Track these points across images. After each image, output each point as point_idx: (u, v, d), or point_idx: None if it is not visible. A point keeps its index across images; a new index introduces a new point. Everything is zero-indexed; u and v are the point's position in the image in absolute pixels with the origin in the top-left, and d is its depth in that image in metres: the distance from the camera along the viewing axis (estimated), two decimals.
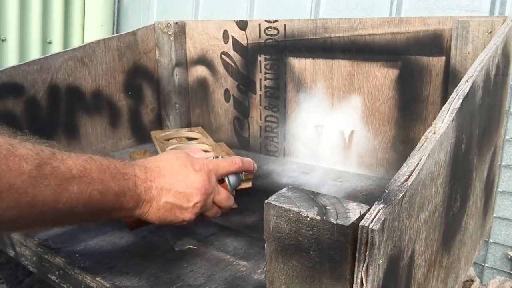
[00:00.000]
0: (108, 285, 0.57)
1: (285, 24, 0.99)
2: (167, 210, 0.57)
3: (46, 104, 0.98)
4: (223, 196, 0.63)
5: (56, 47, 1.65)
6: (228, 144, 1.16)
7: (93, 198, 0.50)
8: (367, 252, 0.32)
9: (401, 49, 0.86)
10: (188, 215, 0.59)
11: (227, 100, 1.14)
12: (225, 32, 1.09)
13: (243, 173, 0.68)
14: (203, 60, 1.16)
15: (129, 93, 1.14)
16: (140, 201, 0.56)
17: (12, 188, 0.42)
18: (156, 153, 0.91)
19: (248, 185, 0.82)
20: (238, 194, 0.81)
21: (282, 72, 1.03)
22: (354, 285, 0.33)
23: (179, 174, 0.58)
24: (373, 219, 0.33)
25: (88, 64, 1.05)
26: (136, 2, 1.73)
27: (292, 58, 1.00)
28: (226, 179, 0.66)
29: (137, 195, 0.55)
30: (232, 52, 1.10)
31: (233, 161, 0.65)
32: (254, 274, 0.60)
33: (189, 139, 0.92)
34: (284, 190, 0.39)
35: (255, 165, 0.69)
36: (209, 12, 1.52)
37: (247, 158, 0.68)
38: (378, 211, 0.34)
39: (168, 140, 0.90)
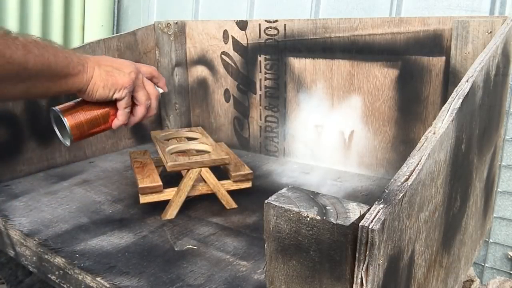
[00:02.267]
0: (108, 285, 0.57)
1: (285, 24, 0.99)
2: (108, 74, 0.67)
3: (46, 104, 0.98)
4: (149, 82, 0.74)
5: None
6: (228, 144, 1.16)
7: (50, 60, 0.60)
8: (367, 252, 0.32)
9: (401, 49, 0.86)
10: (126, 79, 0.68)
11: (227, 100, 1.14)
12: (225, 32, 1.09)
13: (159, 89, 0.78)
14: (203, 60, 1.16)
15: None
16: (85, 67, 0.65)
17: None
18: (156, 153, 0.90)
19: (248, 185, 0.81)
20: (238, 193, 0.82)
21: (282, 72, 1.03)
22: (354, 285, 0.33)
23: (109, 58, 0.71)
24: (373, 219, 0.33)
25: None
26: (136, 2, 1.73)
27: (292, 58, 1.00)
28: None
29: (81, 60, 0.65)
30: (232, 52, 1.10)
31: (151, 66, 0.78)
32: (254, 274, 0.60)
33: (189, 139, 0.91)
34: (284, 190, 0.39)
35: (166, 88, 0.81)
36: (209, 12, 1.52)
37: (162, 76, 0.79)
38: (378, 211, 0.34)
39: (168, 140, 0.89)
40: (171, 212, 0.77)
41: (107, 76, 0.67)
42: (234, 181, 0.81)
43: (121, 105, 0.71)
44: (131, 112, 0.73)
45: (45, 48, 0.60)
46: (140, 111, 0.73)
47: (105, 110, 0.71)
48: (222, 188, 0.80)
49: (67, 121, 0.69)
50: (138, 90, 0.71)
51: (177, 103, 1.20)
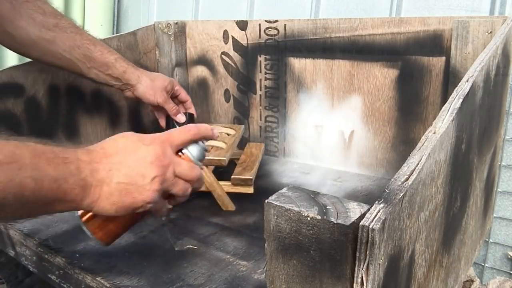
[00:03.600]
0: (108, 285, 0.57)
1: (285, 24, 0.99)
2: (121, 193, 0.50)
3: (46, 104, 0.98)
4: (185, 167, 0.55)
5: None
6: None
7: (25, 186, 0.44)
8: (368, 252, 0.32)
9: (401, 49, 0.86)
10: (148, 194, 0.51)
11: (227, 100, 1.14)
12: (225, 32, 1.09)
13: (205, 141, 0.60)
14: (203, 60, 1.16)
15: None
16: (87, 187, 0.49)
17: None
18: None
19: (249, 190, 0.81)
20: (239, 195, 0.81)
21: (282, 72, 1.03)
22: (354, 284, 0.33)
23: (127, 151, 0.52)
24: (374, 218, 0.33)
25: None
26: (136, 2, 1.73)
27: (292, 58, 1.00)
28: (185, 150, 0.57)
29: (82, 180, 0.48)
30: (232, 52, 1.10)
31: (187, 128, 0.58)
32: (254, 274, 0.60)
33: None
34: (284, 190, 0.39)
35: (215, 130, 0.61)
36: (209, 12, 1.52)
37: (204, 124, 0.60)
38: (379, 211, 0.34)
39: None
40: None
41: (120, 197, 0.50)
42: (233, 184, 0.80)
43: (152, 210, 0.55)
44: (171, 199, 0.58)
45: (24, 168, 0.44)
46: (180, 200, 0.58)
47: (140, 213, 0.55)
48: (219, 188, 0.79)
49: (94, 236, 0.56)
50: (171, 189, 0.54)
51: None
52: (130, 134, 0.54)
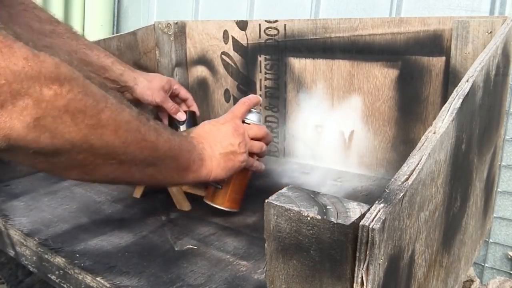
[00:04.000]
0: (108, 285, 0.57)
1: (285, 24, 0.99)
2: (225, 160, 0.67)
3: None
4: (254, 129, 0.73)
5: None
6: None
7: (177, 148, 0.59)
8: (368, 252, 0.32)
9: (401, 49, 0.86)
10: (241, 156, 0.68)
11: (227, 100, 1.14)
12: (225, 32, 1.09)
13: (255, 108, 0.76)
14: (203, 60, 1.16)
15: None
16: (203, 160, 0.64)
17: (130, 123, 0.51)
18: None
19: (201, 193, 0.80)
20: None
21: (282, 72, 1.03)
22: (354, 284, 0.33)
23: (213, 131, 0.69)
24: (374, 218, 0.33)
25: None
26: (136, 2, 1.73)
27: (292, 58, 1.00)
28: (247, 120, 0.74)
29: (199, 154, 0.64)
30: (232, 52, 1.10)
31: (242, 102, 0.74)
32: (254, 274, 0.60)
33: None
34: (284, 190, 0.39)
35: (260, 98, 0.78)
36: (209, 12, 1.52)
37: (252, 95, 0.76)
38: (379, 211, 0.34)
39: None
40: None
41: (226, 163, 0.67)
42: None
43: (248, 167, 0.73)
44: (256, 158, 0.76)
45: (173, 137, 0.59)
46: (262, 154, 0.76)
47: (244, 173, 0.75)
48: (174, 187, 0.80)
49: (230, 209, 0.75)
50: (252, 149, 0.72)
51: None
52: (207, 122, 0.71)
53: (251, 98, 0.76)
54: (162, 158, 0.57)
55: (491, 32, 0.73)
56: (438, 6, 1.11)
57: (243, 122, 0.74)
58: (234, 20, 1.07)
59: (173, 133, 0.61)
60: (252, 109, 0.76)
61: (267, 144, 0.76)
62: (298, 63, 1.00)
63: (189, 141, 0.64)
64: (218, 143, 0.67)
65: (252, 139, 0.73)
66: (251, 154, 0.73)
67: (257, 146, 0.73)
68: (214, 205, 0.74)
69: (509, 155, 1.07)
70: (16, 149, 0.42)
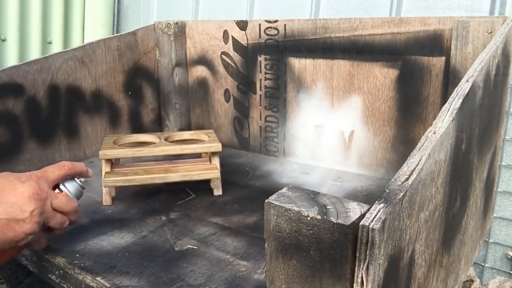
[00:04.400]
0: (108, 285, 0.57)
1: (285, 24, 0.99)
2: (3, 228, 0.54)
3: (46, 104, 0.98)
4: (62, 200, 0.60)
5: (56, 47, 1.65)
6: (228, 144, 1.16)
7: None
8: (368, 252, 0.32)
9: (401, 49, 0.86)
10: (28, 226, 0.55)
11: (227, 100, 1.14)
12: (225, 32, 1.09)
13: (80, 179, 0.66)
14: (203, 60, 1.16)
15: (129, 93, 1.14)
16: None
17: None
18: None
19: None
20: (239, 193, 0.82)
21: (282, 72, 1.03)
22: (354, 284, 0.33)
23: (5, 189, 0.55)
24: (374, 218, 0.33)
25: (88, 64, 1.05)
26: (136, 2, 1.73)
27: (292, 58, 1.00)
28: (62, 186, 0.63)
29: None
30: (232, 52, 1.10)
31: (61, 164, 0.63)
32: (254, 274, 0.60)
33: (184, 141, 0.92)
34: (284, 190, 0.39)
35: (89, 170, 0.66)
36: (209, 12, 1.52)
37: (79, 163, 0.66)
38: (379, 211, 0.34)
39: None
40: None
41: (3, 232, 0.54)
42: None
43: (32, 242, 0.59)
44: (51, 232, 0.62)
45: None
46: (60, 232, 0.63)
47: (16, 247, 0.59)
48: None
49: None
50: (50, 221, 0.59)
51: (177, 103, 1.20)
52: (7, 174, 0.58)
53: (76, 164, 0.64)
54: None
55: (491, 32, 0.73)
56: (438, 6, 1.11)
57: (56, 187, 0.63)
58: (234, 20, 1.07)
59: None
60: (76, 178, 0.65)
61: (73, 222, 0.62)
62: (298, 63, 1.00)
63: None
64: (3, 206, 0.54)
65: (56, 210, 0.59)
66: (45, 228, 0.60)
67: (58, 219, 0.60)
68: None
69: (509, 155, 1.07)
70: None
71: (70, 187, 0.63)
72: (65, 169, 0.62)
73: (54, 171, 0.61)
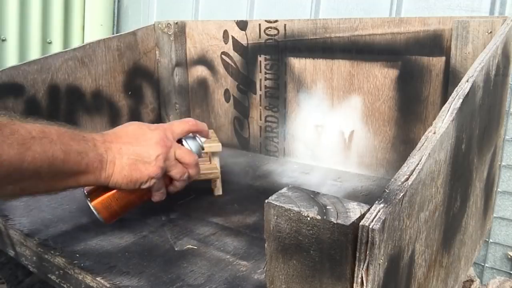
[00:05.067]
0: (108, 285, 0.57)
1: (285, 24, 0.99)
2: (131, 167, 0.58)
3: (46, 104, 0.98)
4: (184, 151, 0.63)
5: (56, 47, 1.65)
6: (228, 144, 1.16)
7: (57, 157, 0.51)
8: (368, 252, 0.32)
9: (401, 49, 0.86)
10: (152, 169, 0.59)
11: (227, 100, 1.14)
12: (225, 32, 1.09)
13: (201, 138, 0.68)
14: (203, 60, 1.16)
15: (129, 93, 1.14)
16: (104, 162, 0.57)
17: None
18: None
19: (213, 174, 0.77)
20: (239, 193, 0.82)
21: (282, 72, 1.03)
22: (354, 284, 0.33)
23: (135, 134, 0.60)
24: (374, 218, 0.33)
25: (88, 64, 1.05)
26: (136, 2, 1.73)
27: (292, 58, 1.00)
28: (184, 142, 0.65)
29: (99, 155, 0.56)
30: (232, 52, 1.10)
31: (186, 120, 0.66)
32: (254, 274, 0.60)
33: None
34: (284, 190, 0.39)
35: (210, 132, 0.69)
36: (209, 12, 1.52)
37: (203, 123, 0.68)
38: (379, 211, 0.34)
39: None
40: None
41: (130, 171, 0.58)
42: None
43: (153, 189, 0.64)
44: (170, 185, 0.66)
45: (54, 142, 0.52)
46: (179, 184, 0.66)
47: (139, 193, 0.64)
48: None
49: (97, 211, 0.64)
50: (171, 170, 0.63)
51: (177, 103, 1.20)
52: (138, 123, 0.63)
53: (199, 123, 0.67)
54: (31, 174, 0.50)
55: (491, 32, 0.73)
56: (438, 6, 1.11)
57: (179, 141, 0.65)
58: (234, 20, 1.07)
59: (60, 136, 0.53)
60: (196, 136, 0.67)
61: (191, 175, 0.65)
62: (298, 63, 1.00)
63: (85, 142, 0.56)
64: (132, 147, 0.59)
65: (177, 160, 0.63)
66: (167, 178, 0.64)
67: (179, 169, 0.63)
68: (89, 204, 0.64)
69: (509, 155, 1.07)
70: None
71: (191, 143, 0.66)
72: (189, 124, 0.65)
73: (179, 125, 0.65)
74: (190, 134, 0.67)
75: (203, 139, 0.68)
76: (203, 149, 0.68)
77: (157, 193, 0.64)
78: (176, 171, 0.63)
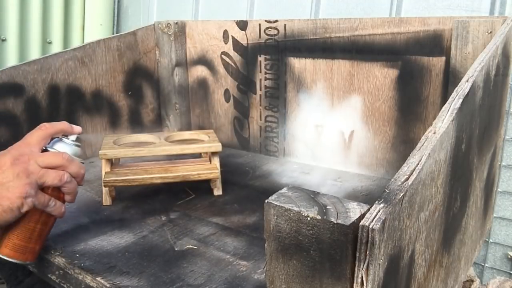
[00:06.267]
0: (108, 285, 0.57)
1: (285, 24, 0.99)
2: None
3: (46, 104, 0.98)
4: (48, 156, 0.58)
5: (56, 47, 1.65)
6: (228, 144, 1.16)
7: None
8: (368, 252, 0.32)
9: (401, 49, 0.86)
10: (18, 190, 0.54)
11: (227, 100, 1.14)
12: (225, 32, 1.09)
13: (68, 137, 0.63)
14: (203, 60, 1.16)
15: (129, 93, 1.14)
16: None
17: None
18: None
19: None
20: (239, 193, 0.82)
21: (282, 72, 1.03)
22: (354, 284, 0.33)
23: None
24: (374, 218, 0.33)
25: (88, 64, 1.05)
26: (136, 2, 1.73)
27: (292, 58, 1.00)
28: (48, 148, 0.60)
29: None
30: (232, 52, 1.10)
31: (39, 127, 0.61)
32: (254, 274, 0.60)
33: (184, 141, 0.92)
34: (284, 190, 0.39)
35: (76, 126, 0.63)
36: (209, 12, 1.52)
37: (61, 122, 0.63)
38: (379, 211, 0.34)
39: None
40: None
41: None
42: None
43: (41, 207, 0.58)
44: (61, 193, 0.61)
45: None
46: (67, 189, 0.60)
47: (32, 218, 0.58)
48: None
49: (10, 257, 0.58)
50: (44, 179, 0.57)
51: (177, 103, 1.20)
52: None
53: (55, 124, 0.62)
54: None
55: (491, 32, 0.73)
56: (438, 6, 1.11)
57: (43, 151, 0.60)
58: (234, 20, 1.07)
59: None
60: (62, 137, 0.62)
61: (73, 173, 0.60)
62: (298, 63, 1.00)
63: None
64: None
65: (46, 168, 0.57)
66: (51, 189, 0.59)
67: (53, 175, 0.57)
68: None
69: (509, 155, 1.07)
70: None
71: (57, 146, 0.61)
72: (42, 130, 0.60)
73: (32, 134, 0.59)
74: (55, 138, 0.62)
75: (71, 136, 0.63)
76: (78, 146, 0.63)
77: (50, 209, 0.59)
78: (50, 178, 0.57)
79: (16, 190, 0.54)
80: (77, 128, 0.64)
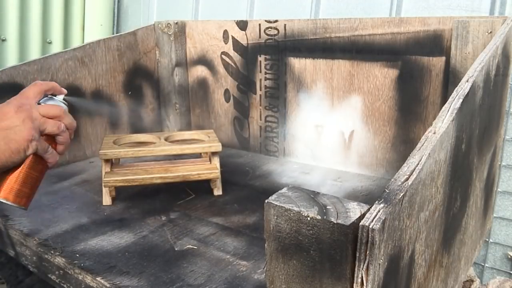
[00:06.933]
0: (108, 285, 0.57)
1: (285, 24, 0.99)
2: (5, 140, 0.58)
3: None
4: (46, 107, 0.63)
5: (56, 47, 1.65)
6: (228, 144, 1.16)
7: None
8: (368, 252, 0.32)
9: (401, 49, 0.86)
10: (26, 132, 0.59)
11: (227, 100, 1.14)
12: (225, 32, 1.09)
13: (58, 96, 0.68)
14: (203, 60, 1.16)
15: (129, 93, 1.14)
16: None
17: None
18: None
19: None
20: (239, 193, 0.82)
21: (282, 72, 1.03)
22: (354, 284, 0.33)
23: None
24: (374, 218, 0.33)
25: (88, 64, 1.05)
26: (136, 2, 1.73)
27: (292, 58, 1.00)
28: (42, 103, 0.65)
29: None
30: (232, 52, 1.10)
31: (33, 83, 0.65)
32: (254, 274, 0.60)
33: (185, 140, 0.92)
34: (284, 190, 0.39)
35: (62, 88, 0.69)
36: (209, 12, 1.52)
37: (51, 82, 0.68)
38: (379, 211, 0.34)
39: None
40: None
41: (6, 144, 0.58)
42: None
43: (40, 152, 0.62)
44: (55, 143, 0.65)
45: None
46: (62, 139, 0.64)
47: (31, 163, 0.62)
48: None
49: (7, 200, 0.61)
50: (45, 127, 0.62)
51: (177, 103, 1.20)
52: None
53: (47, 82, 0.68)
54: None
55: (491, 32, 0.73)
56: (438, 6, 1.11)
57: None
58: (234, 20, 1.07)
59: None
60: (53, 96, 0.67)
61: (68, 125, 0.65)
62: (298, 63, 1.00)
63: None
64: None
65: (45, 117, 0.62)
66: (48, 138, 0.63)
67: (52, 123, 0.63)
68: None
69: (509, 155, 1.07)
70: None
71: (49, 102, 0.65)
72: (38, 85, 0.65)
73: (29, 89, 0.64)
74: (46, 97, 0.67)
75: (60, 96, 0.68)
76: (66, 104, 0.68)
77: (48, 155, 0.63)
78: (50, 126, 0.62)
79: (23, 134, 0.59)
80: (64, 90, 0.70)
